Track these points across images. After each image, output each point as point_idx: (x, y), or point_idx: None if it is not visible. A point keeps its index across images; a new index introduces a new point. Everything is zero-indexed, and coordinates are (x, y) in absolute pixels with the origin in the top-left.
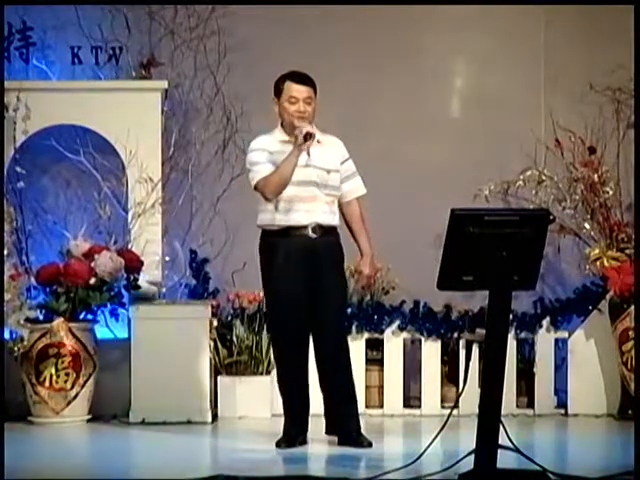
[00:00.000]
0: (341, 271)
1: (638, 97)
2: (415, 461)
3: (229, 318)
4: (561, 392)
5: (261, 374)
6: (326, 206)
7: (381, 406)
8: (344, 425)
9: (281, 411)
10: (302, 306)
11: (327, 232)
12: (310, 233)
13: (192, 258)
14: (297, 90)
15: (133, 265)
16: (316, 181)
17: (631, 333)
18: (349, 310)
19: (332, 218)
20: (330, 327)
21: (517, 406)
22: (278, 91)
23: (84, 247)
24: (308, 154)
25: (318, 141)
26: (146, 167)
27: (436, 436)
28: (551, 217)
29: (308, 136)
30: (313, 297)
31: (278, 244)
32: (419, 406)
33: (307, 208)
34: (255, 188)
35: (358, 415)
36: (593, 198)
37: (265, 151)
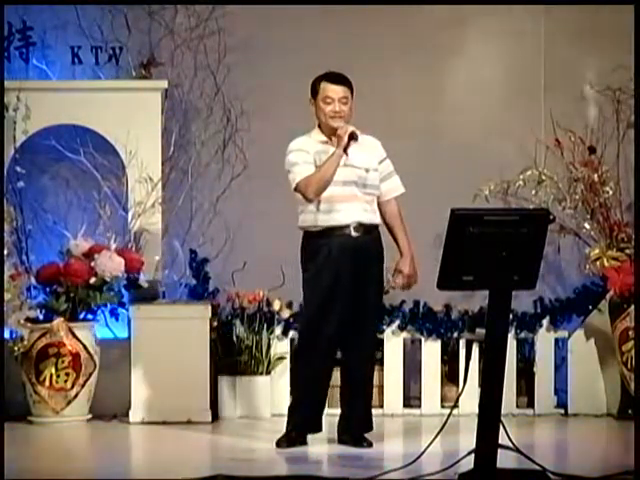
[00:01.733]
0: (380, 272)
1: (638, 97)
2: (415, 461)
3: (229, 318)
4: (561, 392)
5: (261, 374)
6: (366, 205)
7: (381, 406)
8: (348, 424)
9: (281, 411)
10: (343, 304)
11: (368, 231)
12: (352, 232)
13: (192, 258)
14: (332, 90)
15: (133, 265)
16: (355, 180)
17: (631, 333)
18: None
19: (373, 217)
20: (364, 327)
21: (517, 406)
22: (314, 92)
23: (84, 247)
24: (346, 154)
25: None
26: (146, 167)
27: (436, 436)
28: (551, 217)
29: (353, 136)
30: (351, 296)
31: (321, 244)
32: (419, 406)
33: (348, 207)
34: (295, 189)
35: (366, 417)
36: (593, 198)
37: (304, 152)
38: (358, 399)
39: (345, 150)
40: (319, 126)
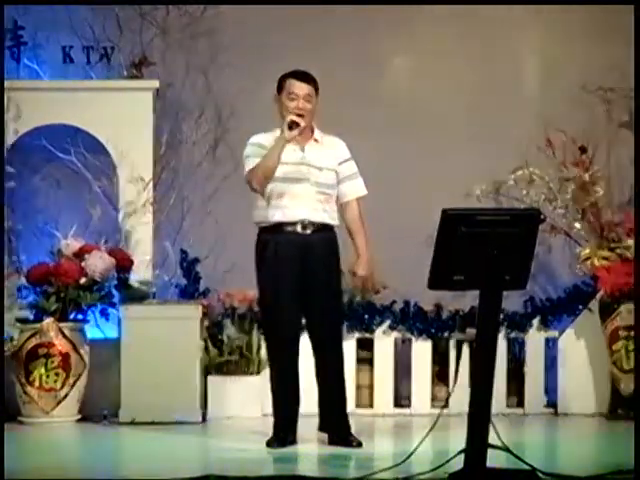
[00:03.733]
0: (335, 269)
1: (638, 97)
2: (405, 460)
3: (219, 318)
4: (551, 391)
5: (251, 374)
6: (318, 204)
7: (371, 406)
8: (334, 424)
9: (271, 411)
10: (292, 303)
11: (320, 229)
12: (300, 229)
13: (183, 258)
14: (298, 87)
15: (124, 265)
16: (308, 178)
17: (621, 332)
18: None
19: (325, 216)
20: (321, 326)
21: (507, 405)
22: (280, 88)
23: (75, 247)
24: (303, 151)
25: (316, 140)
26: (137, 167)
27: (426, 435)
28: (542, 217)
29: (293, 124)
30: (305, 294)
31: (270, 240)
32: (409, 405)
33: (298, 205)
34: (247, 182)
35: (347, 415)
36: (584, 198)
37: (258, 146)
38: (332, 400)
39: (303, 148)
40: None
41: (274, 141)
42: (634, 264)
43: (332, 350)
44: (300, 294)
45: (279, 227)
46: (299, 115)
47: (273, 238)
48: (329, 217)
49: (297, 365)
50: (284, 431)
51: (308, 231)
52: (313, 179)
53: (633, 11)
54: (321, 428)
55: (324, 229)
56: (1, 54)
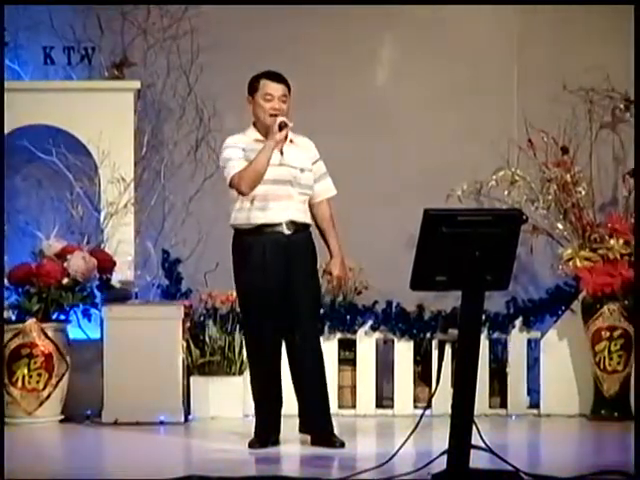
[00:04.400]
0: (314, 269)
1: (638, 97)
2: (388, 461)
3: (202, 318)
4: (534, 392)
5: (233, 374)
6: (300, 204)
7: (354, 406)
8: (317, 425)
9: (253, 411)
10: (275, 304)
11: (300, 229)
12: (285, 230)
13: (165, 258)
14: (273, 88)
15: (105, 265)
16: (290, 180)
17: (604, 333)
18: (321, 310)
19: (304, 216)
20: (303, 326)
21: (490, 406)
22: (253, 89)
23: (57, 247)
24: (281, 153)
25: (291, 141)
26: (119, 167)
27: (409, 436)
28: (524, 217)
29: (283, 125)
30: (286, 294)
31: (252, 242)
32: (392, 406)
33: (281, 206)
34: (230, 184)
35: (330, 415)
36: (566, 198)
37: (238, 148)
38: (314, 401)
39: (281, 150)
40: (254, 124)
41: (253, 142)
42: (634, 264)
43: (314, 349)
44: (285, 294)
45: (262, 228)
46: (275, 115)
47: (258, 240)
48: (307, 217)
49: (280, 365)
50: (266, 432)
51: (290, 231)
52: (296, 181)
53: (633, 11)
54: (303, 429)
55: (303, 229)
56: (1, 54)
